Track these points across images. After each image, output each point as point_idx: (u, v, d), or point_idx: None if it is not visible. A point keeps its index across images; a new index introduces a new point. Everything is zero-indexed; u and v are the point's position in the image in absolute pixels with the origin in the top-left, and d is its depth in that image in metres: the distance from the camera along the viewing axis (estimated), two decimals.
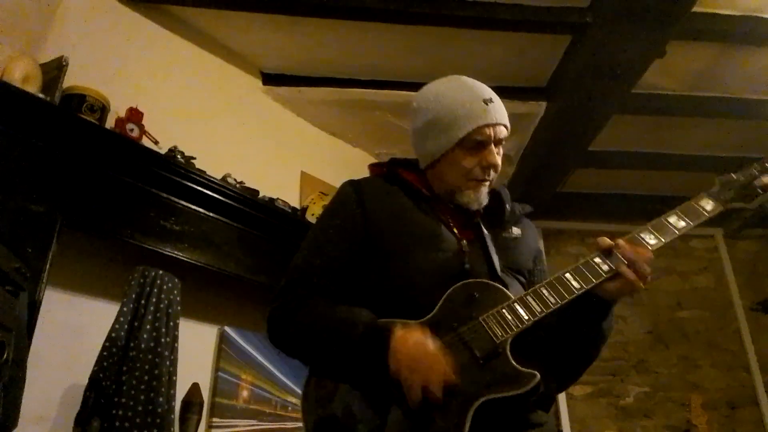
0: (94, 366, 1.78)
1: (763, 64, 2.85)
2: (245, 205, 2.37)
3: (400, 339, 0.97)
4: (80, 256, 1.99)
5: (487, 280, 1.09)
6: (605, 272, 1.04)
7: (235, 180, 2.41)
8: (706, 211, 1.08)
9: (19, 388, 1.42)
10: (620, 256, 1.04)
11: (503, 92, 3.39)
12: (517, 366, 0.98)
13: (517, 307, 1.03)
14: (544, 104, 3.06)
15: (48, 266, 1.72)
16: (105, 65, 2.29)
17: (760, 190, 1.07)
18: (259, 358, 2.50)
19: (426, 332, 0.99)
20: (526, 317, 1.01)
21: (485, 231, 1.18)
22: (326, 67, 2.96)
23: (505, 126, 1.20)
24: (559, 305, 1.03)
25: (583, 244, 4.15)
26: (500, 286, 1.08)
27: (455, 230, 1.18)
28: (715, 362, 3.94)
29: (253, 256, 2.37)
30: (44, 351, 1.75)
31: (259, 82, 2.99)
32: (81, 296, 2.02)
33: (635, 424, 3.77)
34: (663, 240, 1.07)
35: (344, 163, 3.35)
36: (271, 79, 3.01)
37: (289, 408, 2.52)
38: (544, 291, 1.04)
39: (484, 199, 1.21)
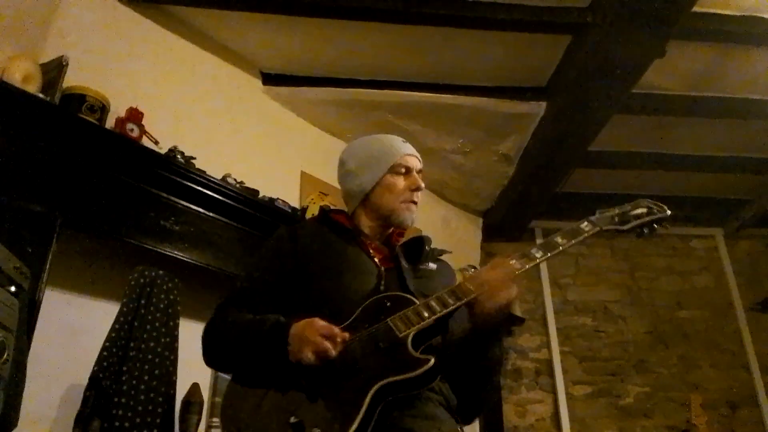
0: (94, 366, 1.78)
1: (763, 64, 2.85)
2: (245, 205, 2.37)
3: (295, 325, 1.13)
4: (80, 256, 1.99)
5: (399, 293, 1.24)
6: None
7: (235, 180, 2.41)
8: (584, 231, 1.34)
9: (19, 388, 1.42)
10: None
11: (503, 92, 3.38)
12: (414, 353, 1.11)
13: (421, 309, 1.18)
14: (544, 104, 3.05)
15: (48, 266, 1.72)
16: (105, 65, 2.29)
17: (632, 218, 1.34)
18: None
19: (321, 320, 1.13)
20: (427, 315, 1.16)
21: (403, 261, 1.36)
22: (326, 67, 2.96)
23: (420, 160, 1.45)
24: (455, 306, 1.18)
25: (582, 244, 4.14)
26: (411, 297, 1.22)
27: (376, 259, 1.36)
28: (715, 362, 3.95)
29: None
30: (44, 351, 1.75)
31: (259, 82, 2.99)
32: (81, 296, 2.03)
33: (635, 424, 3.77)
34: (548, 254, 1.29)
35: None
36: (271, 79, 3.01)
37: None
38: (446, 296, 1.19)
39: (415, 218, 1.42)
